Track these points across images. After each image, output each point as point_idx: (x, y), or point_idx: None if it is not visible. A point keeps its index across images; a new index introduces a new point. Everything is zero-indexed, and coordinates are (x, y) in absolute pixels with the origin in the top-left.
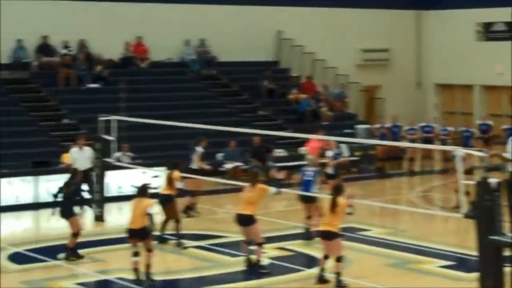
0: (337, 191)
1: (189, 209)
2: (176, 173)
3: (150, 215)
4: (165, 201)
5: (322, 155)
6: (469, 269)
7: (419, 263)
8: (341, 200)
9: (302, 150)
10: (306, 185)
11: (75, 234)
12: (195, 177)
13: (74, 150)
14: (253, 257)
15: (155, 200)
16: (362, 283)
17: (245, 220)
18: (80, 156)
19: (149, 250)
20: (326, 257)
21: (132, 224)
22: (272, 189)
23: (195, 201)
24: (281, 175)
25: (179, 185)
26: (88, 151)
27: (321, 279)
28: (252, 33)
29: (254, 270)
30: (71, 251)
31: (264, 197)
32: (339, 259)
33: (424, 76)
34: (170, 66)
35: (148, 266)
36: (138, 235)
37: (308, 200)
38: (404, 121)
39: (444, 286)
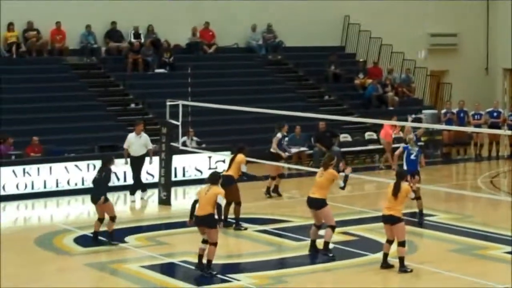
0: (400, 176)
1: (270, 192)
2: (241, 156)
3: (219, 205)
4: (227, 183)
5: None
6: None
7: (485, 249)
8: (404, 185)
9: (374, 135)
10: (410, 164)
11: (113, 219)
12: (260, 161)
13: (131, 135)
14: (320, 241)
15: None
16: (426, 268)
17: (315, 204)
18: (136, 142)
19: (213, 243)
20: (389, 242)
21: (199, 211)
22: (340, 182)
23: (277, 183)
24: (348, 170)
25: (243, 168)
26: (144, 138)
27: (385, 264)
28: (318, 18)
29: (318, 254)
30: (109, 237)
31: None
32: (402, 244)
33: (492, 61)
34: (236, 52)
35: (208, 260)
36: (205, 222)
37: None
38: (471, 107)
39: (510, 272)
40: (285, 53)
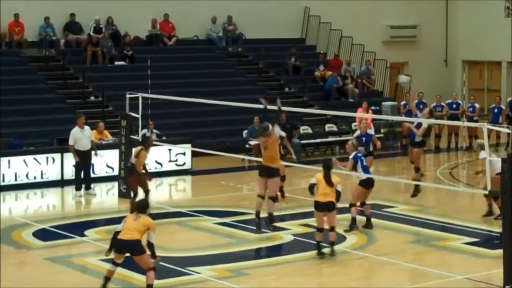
0: (327, 167)
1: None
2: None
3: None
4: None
5: None
6: (494, 245)
7: (444, 240)
8: (335, 176)
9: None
10: (366, 170)
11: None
12: (220, 154)
13: (76, 130)
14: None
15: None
16: (386, 260)
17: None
18: (82, 137)
19: (150, 268)
20: (321, 230)
21: (125, 235)
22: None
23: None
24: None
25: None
26: (88, 131)
27: (321, 254)
28: (279, 10)
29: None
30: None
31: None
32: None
33: (451, 53)
34: (196, 44)
35: (149, 285)
36: (132, 248)
37: None
38: (430, 98)
39: (469, 262)
40: (245, 45)
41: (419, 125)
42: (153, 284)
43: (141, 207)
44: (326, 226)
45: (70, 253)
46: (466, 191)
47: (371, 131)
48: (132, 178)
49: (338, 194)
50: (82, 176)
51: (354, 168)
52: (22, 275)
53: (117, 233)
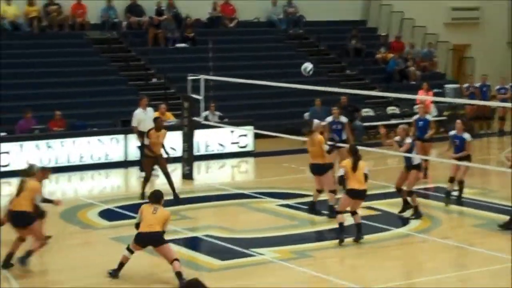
0: (355, 153)
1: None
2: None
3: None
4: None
5: None
6: None
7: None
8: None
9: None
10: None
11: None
12: (280, 136)
13: (139, 112)
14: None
15: None
16: (450, 243)
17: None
18: (145, 118)
19: (173, 259)
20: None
21: (145, 228)
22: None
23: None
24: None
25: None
26: (151, 112)
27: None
28: None
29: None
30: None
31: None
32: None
33: None
34: (257, 26)
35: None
36: (152, 240)
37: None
38: (494, 81)
39: None
40: (306, 27)
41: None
42: (181, 272)
43: (156, 198)
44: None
45: (135, 233)
46: None
47: (429, 116)
48: (145, 160)
49: (366, 178)
50: None
51: (407, 152)
52: (88, 254)
53: (137, 224)
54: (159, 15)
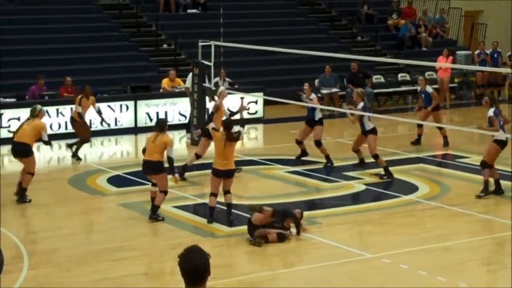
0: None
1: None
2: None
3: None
4: None
5: None
6: None
7: None
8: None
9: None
10: None
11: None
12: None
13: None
14: None
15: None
16: (459, 210)
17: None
18: None
19: (162, 190)
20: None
21: (147, 156)
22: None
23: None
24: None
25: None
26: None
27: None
28: None
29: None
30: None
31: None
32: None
33: None
34: None
35: (155, 206)
36: (152, 169)
37: None
38: (505, 47)
39: None
40: None
41: None
42: (160, 207)
43: (158, 125)
44: None
45: (144, 200)
46: None
47: (429, 88)
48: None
49: None
50: None
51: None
52: (97, 220)
53: (143, 150)
54: None
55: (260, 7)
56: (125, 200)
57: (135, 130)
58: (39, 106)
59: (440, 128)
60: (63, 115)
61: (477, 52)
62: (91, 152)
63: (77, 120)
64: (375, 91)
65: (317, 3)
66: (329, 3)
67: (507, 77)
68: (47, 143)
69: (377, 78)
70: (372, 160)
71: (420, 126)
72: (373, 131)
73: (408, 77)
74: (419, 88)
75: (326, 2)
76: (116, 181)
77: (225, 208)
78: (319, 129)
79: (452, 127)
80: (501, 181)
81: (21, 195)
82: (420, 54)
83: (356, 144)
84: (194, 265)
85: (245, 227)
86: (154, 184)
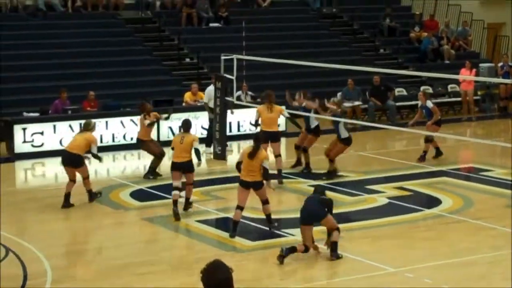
0: (256, 140)
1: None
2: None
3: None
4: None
5: None
6: None
7: None
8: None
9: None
10: None
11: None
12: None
13: (211, 88)
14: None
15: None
16: (483, 224)
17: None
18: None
19: (189, 183)
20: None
21: (176, 159)
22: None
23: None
24: None
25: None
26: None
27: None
28: None
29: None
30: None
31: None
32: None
33: None
34: (291, 5)
35: (187, 198)
36: (183, 168)
37: None
38: None
39: None
40: (339, 6)
41: None
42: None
43: (184, 126)
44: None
45: (168, 214)
46: None
47: (430, 103)
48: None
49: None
50: None
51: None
52: (120, 235)
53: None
54: None
55: (282, 20)
56: (148, 215)
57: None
58: (93, 121)
59: (431, 140)
60: None
61: (500, 64)
62: (114, 166)
63: (143, 140)
64: (397, 104)
65: (339, 16)
66: (351, 16)
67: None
68: (96, 156)
69: (399, 91)
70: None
71: (428, 141)
72: (347, 140)
73: (430, 90)
74: (419, 103)
75: (348, 15)
76: (138, 195)
77: (248, 222)
78: (312, 138)
79: (476, 140)
80: (501, 189)
81: (90, 197)
82: (443, 67)
83: (300, 141)
84: (217, 280)
85: (268, 241)
86: (178, 189)
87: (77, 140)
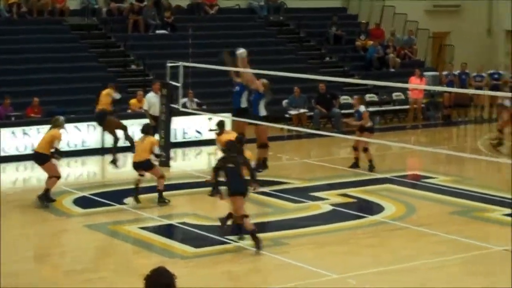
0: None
1: None
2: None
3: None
4: None
5: None
6: None
7: (484, 211)
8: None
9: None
10: None
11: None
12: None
13: (151, 95)
14: None
15: None
16: (425, 231)
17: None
18: (156, 101)
19: (160, 176)
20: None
21: (136, 158)
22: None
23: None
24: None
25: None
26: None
27: None
28: None
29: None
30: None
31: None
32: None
33: (494, 22)
34: (238, 13)
35: (159, 190)
36: (142, 167)
37: None
38: (473, 68)
39: (508, 234)
40: (286, 14)
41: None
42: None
43: (143, 129)
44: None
45: (109, 221)
46: (506, 162)
47: (363, 108)
48: None
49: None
50: None
51: None
52: (62, 242)
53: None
54: (140, 1)
55: (228, 27)
56: (91, 222)
57: (102, 151)
58: (62, 117)
59: (365, 150)
60: (30, 136)
61: (445, 73)
62: None
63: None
64: (343, 111)
65: (286, 24)
66: (298, 24)
67: (473, 98)
68: (57, 151)
69: (344, 99)
70: None
71: (355, 149)
72: (266, 118)
73: (375, 98)
74: (354, 108)
75: (295, 23)
76: (82, 202)
77: (191, 228)
78: (263, 129)
79: (418, 147)
80: (444, 196)
81: (43, 196)
82: (388, 75)
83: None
84: (161, 286)
85: (212, 248)
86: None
87: (43, 138)
